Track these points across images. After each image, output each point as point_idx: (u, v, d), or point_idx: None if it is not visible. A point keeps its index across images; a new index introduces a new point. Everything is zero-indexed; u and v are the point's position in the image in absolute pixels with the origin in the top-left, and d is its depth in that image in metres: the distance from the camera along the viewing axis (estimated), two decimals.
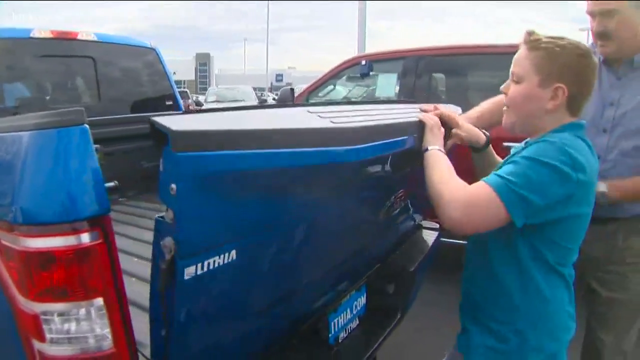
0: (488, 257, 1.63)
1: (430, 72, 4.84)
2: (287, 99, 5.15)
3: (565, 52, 1.53)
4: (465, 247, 1.80)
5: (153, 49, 4.37)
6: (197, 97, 27.55)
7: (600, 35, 2.14)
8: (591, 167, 1.50)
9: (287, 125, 1.28)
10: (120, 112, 3.96)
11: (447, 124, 1.89)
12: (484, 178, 1.49)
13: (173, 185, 1.03)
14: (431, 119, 1.81)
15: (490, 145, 1.99)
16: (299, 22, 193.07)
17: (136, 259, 2.37)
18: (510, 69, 1.63)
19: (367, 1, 13.95)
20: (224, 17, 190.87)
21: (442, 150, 1.73)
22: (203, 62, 73.37)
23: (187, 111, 4.91)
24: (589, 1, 2.14)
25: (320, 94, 5.48)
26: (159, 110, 4.24)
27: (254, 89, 29.70)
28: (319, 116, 1.44)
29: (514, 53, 4.61)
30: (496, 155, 1.99)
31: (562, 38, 1.57)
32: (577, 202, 1.48)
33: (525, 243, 1.54)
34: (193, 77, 69.04)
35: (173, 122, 1.00)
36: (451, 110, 2.08)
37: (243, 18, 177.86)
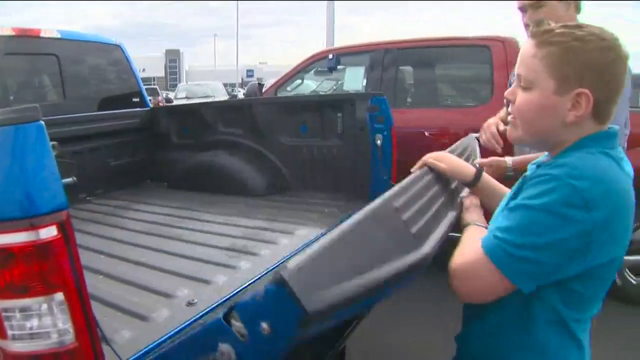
0: (487, 310, 1.34)
1: (397, 65, 4.87)
2: (255, 94, 5.15)
3: (586, 46, 1.19)
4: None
5: (118, 46, 4.33)
6: (167, 93, 27.34)
7: (529, 27, 2.25)
8: (618, 195, 1.17)
9: None
10: (87, 110, 3.93)
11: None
12: (482, 237, 1.26)
13: (265, 325, 0.94)
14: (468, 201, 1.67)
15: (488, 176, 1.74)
16: (270, 17, 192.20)
17: (103, 257, 2.37)
18: (515, 70, 1.31)
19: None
20: (193, 14, 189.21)
21: (479, 224, 1.50)
22: (173, 59, 72.65)
23: (156, 107, 4.90)
24: None
25: (288, 88, 5.49)
26: (125, 108, 4.22)
27: (225, 84, 29.55)
28: None
29: (483, 45, 4.62)
30: (497, 185, 1.72)
31: (579, 26, 1.22)
32: (601, 247, 1.16)
33: (540, 298, 1.25)
34: (163, 74, 68.44)
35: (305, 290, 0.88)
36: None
37: (213, 14, 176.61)
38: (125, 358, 1.45)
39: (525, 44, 1.29)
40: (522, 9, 2.35)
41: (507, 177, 2.16)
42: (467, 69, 5.27)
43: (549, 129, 1.26)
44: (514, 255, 1.16)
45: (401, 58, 4.91)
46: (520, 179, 1.37)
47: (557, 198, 1.13)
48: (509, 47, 4.37)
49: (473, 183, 1.68)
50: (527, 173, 1.36)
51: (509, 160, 2.21)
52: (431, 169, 1.71)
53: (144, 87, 4.59)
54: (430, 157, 1.73)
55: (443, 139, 4.45)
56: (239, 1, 51.47)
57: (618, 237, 1.19)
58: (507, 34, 4.54)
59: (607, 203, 1.14)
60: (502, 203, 1.41)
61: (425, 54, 5.03)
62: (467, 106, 4.89)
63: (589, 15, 2.42)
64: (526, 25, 2.33)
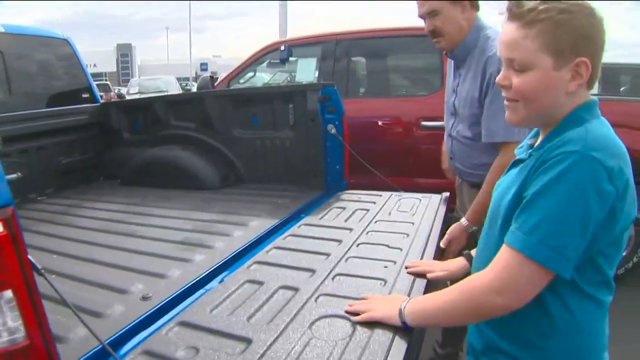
0: None
1: (349, 55, 4.90)
2: (207, 88, 5.11)
3: (574, 16, 1.20)
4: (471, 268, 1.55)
5: (65, 40, 4.24)
6: (119, 89, 26.87)
7: (432, 34, 2.42)
8: (627, 160, 1.21)
9: None
10: (34, 107, 3.84)
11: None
12: (506, 238, 1.23)
13: None
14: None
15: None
16: (223, 9, 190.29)
17: (56, 256, 2.34)
18: (504, 55, 1.30)
19: None
20: (144, 6, 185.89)
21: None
22: (125, 53, 71.49)
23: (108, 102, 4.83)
24: (418, 7, 2.41)
25: (241, 81, 5.47)
26: (75, 104, 4.15)
27: (179, 79, 29.21)
28: None
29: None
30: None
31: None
32: (626, 212, 1.21)
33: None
34: (115, 69, 67.22)
35: None
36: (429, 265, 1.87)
37: (164, 6, 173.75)
38: (79, 355, 1.45)
39: (508, 27, 1.28)
40: (422, 17, 2.43)
41: (473, 234, 2.27)
42: (417, 58, 5.33)
43: (553, 103, 1.26)
44: (556, 248, 1.15)
45: (353, 49, 4.94)
46: (517, 166, 1.37)
47: (582, 174, 1.13)
48: None
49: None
50: (522, 157, 1.38)
51: (463, 221, 2.33)
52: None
53: (93, 83, 4.51)
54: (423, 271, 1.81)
55: (396, 128, 4.52)
56: None
57: (633, 198, 1.22)
58: None
59: (623, 170, 1.18)
60: (499, 196, 1.37)
61: (376, 44, 5.07)
62: (419, 95, 4.96)
63: None
64: (429, 32, 2.42)
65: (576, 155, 1.14)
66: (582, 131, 1.20)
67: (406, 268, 1.86)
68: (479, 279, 1.27)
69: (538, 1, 1.24)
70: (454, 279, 1.72)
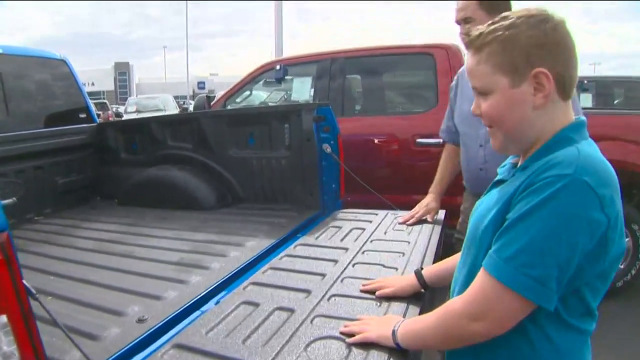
0: None
1: (344, 74, 4.94)
2: (203, 107, 5.14)
3: (518, 29, 1.19)
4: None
5: (63, 60, 4.27)
6: (117, 107, 26.94)
7: (465, 38, 2.45)
8: (617, 187, 1.16)
9: None
10: (32, 127, 3.86)
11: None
12: (484, 262, 1.18)
13: None
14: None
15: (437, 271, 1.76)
16: (220, 27, 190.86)
17: (53, 277, 2.34)
18: (471, 85, 1.30)
19: (283, 1, 13.92)
20: (141, 25, 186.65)
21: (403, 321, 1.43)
22: (122, 72, 71.46)
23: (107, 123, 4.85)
24: (455, 13, 2.54)
25: (237, 100, 5.50)
26: (72, 124, 4.17)
27: (176, 97, 29.29)
28: None
29: (427, 53, 4.71)
30: (442, 268, 1.75)
31: (504, 17, 1.24)
32: (616, 242, 1.15)
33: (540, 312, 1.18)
34: (112, 87, 67.29)
35: None
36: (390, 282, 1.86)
37: (161, 25, 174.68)
38: None
39: (467, 58, 1.29)
40: (458, 23, 2.55)
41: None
42: (412, 75, 5.38)
43: (523, 121, 1.22)
44: (538, 277, 1.09)
45: (348, 67, 4.98)
46: (498, 186, 1.34)
47: (572, 200, 1.08)
48: (451, 54, 4.49)
49: (425, 287, 1.76)
50: (504, 177, 1.35)
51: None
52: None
53: (90, 102, 4.54)
54: (375, 288, 1.82)
55: (392, 145, 4.54)
56: (187, 11, 50.95)
57: (623, 229, 1.17)
58: (450, 42, 4.67)
59: (614, 198, 1.12)
60: (478, 216, 1.33)
61: (371, 62, 5.11)
62: (414, 112, 4.99)
63: None
64: (463, 36, 2.50)
65: (567, 179, 1.09)
66: (574, 153, 1.14)
67: (362, 286, 1.88)
68: (456, 303, 1.23)
69: (487, 25, 1.25)
70: (402, 295, 1.75)
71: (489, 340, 1.19)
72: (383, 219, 2.94)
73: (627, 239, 3.99)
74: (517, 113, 1.22)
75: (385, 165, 4.54)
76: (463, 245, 1.42)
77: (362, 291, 1.85)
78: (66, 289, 2.15)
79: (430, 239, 2.54)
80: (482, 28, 1.25)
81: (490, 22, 1.26)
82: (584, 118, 1.27)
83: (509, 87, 1.21)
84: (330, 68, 4.88)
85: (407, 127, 4.54)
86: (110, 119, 19.25)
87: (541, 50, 1.18)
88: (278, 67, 5.11)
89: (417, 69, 5.09)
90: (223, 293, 2.03)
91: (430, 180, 4.38)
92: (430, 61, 4.57)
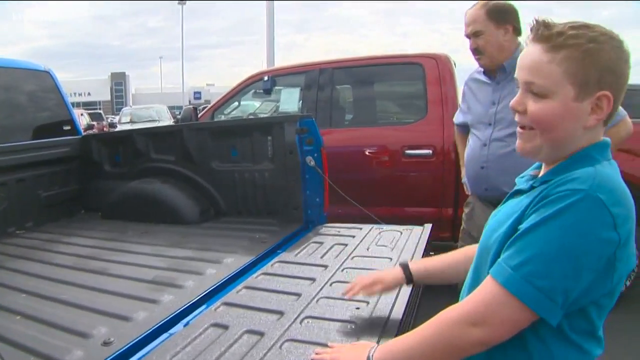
0: None
1: (333, 84, 4.89)
2: (190, 119, 5.08)
3: (602, 47, 1.14)
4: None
5: (47, 72, 4.22)
6: (112, 118, 26.92)
7: (475, 51, 2.73)
8: (632, 208, 1.14)
9: None
10: (14, 139, 3.80)
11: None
12: (491, 269, 1.17)
13: None
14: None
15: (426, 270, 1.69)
16: (217, 38, 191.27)
17: (24, 295, 2.27)
18: (522, 78, 1.22)
19: (274, 12, 13.91)
20: (138, 35, 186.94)
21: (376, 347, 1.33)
22: (119, 82, 71.63)
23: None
24: (465, 26, 2.73)
25: (226, 112, 5.45)
26: (56, 136, 4.11)
27: (172, 107, 29.27)
28: None
29: (416, 63, 4.71)
30: (431, 263, 1.70)
31: (587, 26, 1.17)
32: (625, 261, 1.13)
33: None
34: (109, 98, 67.39)
35: None
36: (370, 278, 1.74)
37: (157, 35, 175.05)
38: None
39: (532, 48, 1.20)
40: (468, 36, 2.73)
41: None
42: (401, 86, 5.34)
43: (569, 135, 1.19)
44: (543, 288, 1.08)
45: (336, 77, 4.93)
46: (517, 197, 1.32)
47: (585, 215, 1.07)
48: (441, 64, 4.45)
49: (410, 281, 1.67)
50: (522, 187, 1.32)
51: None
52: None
53: (75, 114, 4.48)
54: (361, 288, 1.71)
55: (383, 156, 4.49)
56: (182, 20, 50.97)
57: (634, 249, 1.16)
58: (439, 51, 4.65)
59: (628, 218, 1.11)
60: (493, 226, 1.31)
61: (360, 72, 5.08)
62: (404, 123, 4.94)
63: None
64: (473, 50, 2.73)
65: (581, 194, 1.08)
66: (591, 171, 1.13)
67: (344, 294, 1.77)
68: (455, 309, 1.20)
69: (566, 25, 1.18)
70: (387, 290, 1.70)
71: (485, 352, 1.17)
72: (367, 234, 2.88)
73: None
74: (568, 126, 1.18)
75: (374, 177, 4.48)
76: (475, 255, 1.39)
77: (343, 294, 1.76)
78: (35, 308, 2.09)
79: (413, 255, 2.48)
80: (562, 27, 1.18)
81: (569, 24, 1.18)
82: (608, 139, 1.24)
83: (572, 99, 1.16)
84: (318, 79, 4.83)
85: (398, 138, 4.49)
86: (105, 129, 19.26)
87: (613, 75, 1.16)
88: (266, 78, 5.06)
89: (406, 79, 5.04)
90: (194, 314, 1.96)
91: (419, 191, 4.37)
92: (419, 71, 4.53)
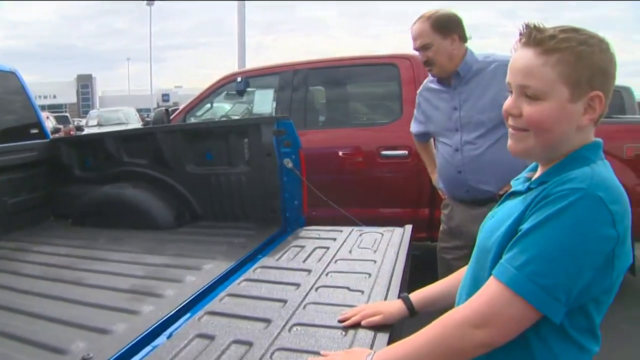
0: None
1: (307, 85, 4.85)
2: (162, 121, 4.97)
3: (594, 50, 1.18)
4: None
5: (13, 73, 4.06)
6: (79, 121, 26.47)
7: (426, 63, 2.81)
8: (627, 206, 1.17)
9: None
10: None
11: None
12: (494, 270, 1.18)
13: None
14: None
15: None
16: (183, 39, 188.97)
17: None
18: (516, 81, 1.24)
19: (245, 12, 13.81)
20: (105, 36, 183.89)
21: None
22: (85, 84, 70.47)
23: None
24: (412, 40, 2.80)
25: (198, 113, 5.36)
26: (22, 140, 3.97)
27: (140, 109, 28.92)
28: None
29: (391, 63, 4.74)
30: (432, 291, 1.65)
31: (575, 29, 1.21)
32: (622, 259, 1.16)
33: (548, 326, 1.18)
34: (75, 100, 66.29)
35: None
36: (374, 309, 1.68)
37: (124, 36, 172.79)
38: None
39: (524, 53, 1.22)
40: (417, 50, 2.81)
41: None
42: (376, 87, 5.33)
43: (564, 136, 1.22)
44: (546, 287, 1.10)
45: (311, 78, 4.90)
46: (513, 199, 1.33)
47: (586, 213, 1.10)
48: (415, 64, 4.43)
49: (413, 313, 1.63)
50: (518, 189, 1.33)
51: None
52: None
53: (43, 117, 4.34)
54: (362, 318, 1.64)
55: (357, 158, 4.45)
56: (151, 21, 50.47)
57: (629, 246, 1.19)
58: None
59: (625, 215, 1.14)
60: (490, 228, 1.32)
61: (334, 73, 5.05)
62: (379, 124, 4.93)
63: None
64: (423, 62, 2.83)
65: (581, 192, 1.11)
66: (589, 171, 1.17)
67: (339, 322, 1.69)
68: (458, 312, 1.22)
69: (556, 28, 1.21)
70: (390, 322, 1.62)
71: (489, 353, 1.18)
72: (348, 237, 2.83)
73: None
74: (563, 127, 1.21)
75: (350, 179, 4.44)
76: (471, 259, 1.40)
77: (340, 321, 1.69)
78: (6, 323, 1.97)
79: (397, 257, 2.44)
80: (553, 30, 1.21)
81: (559, 28, 1.21)
82: (600, 140, 1.27)
83: (567, 100, 1.19)
84: (292, 80, 4.78)
85: (373, 139, 4.47)
86: (72, 133, 18.89)
87: (604, 76, 1.20)
88: (239, 79, 4.99)
89: (381, 80, 5.05)
90: (176, 325, 1.88)
91: (395, 192, 4.35)
92: (394, 72, 4.53)
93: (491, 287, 1.17)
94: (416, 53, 4.50)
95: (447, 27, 2.72)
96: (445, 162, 2.87)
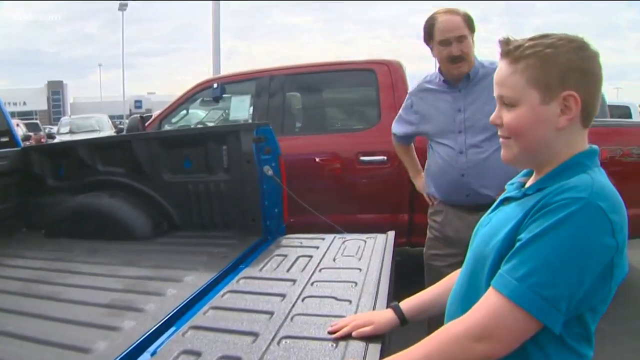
0: None
1: (284, 91, 4.80)
2: (137, 129, 4.87)
3: (559, 50, 1.21)
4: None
5: None
6: (50, 128, 26.03)
7: (456, 59, 2.69)
8: (625, 215, 1.17)
9: None
10: None
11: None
12: (493, 281, 1.17)
13: None
14: None
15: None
16: (154, 45, 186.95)
17: None
18: (495, 92, 1.30)
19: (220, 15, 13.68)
20: (76, 42, 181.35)
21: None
22: (56, 91, 69.42)
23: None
24: (443, 32, 2.69)
25: (173, 120, 5.27)
26: None
27: (112, 117, 28.55)
28: None
29: (369, 69, 4.74)
30: (422, 299, 1.63)
31: (546, 35, 1.25)
32: (620, 268, 1.16)
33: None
34: (46, 107, 65.28)
35: None
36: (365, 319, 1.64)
37: (96, 42, 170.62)
38: None
39: (499, 65, 1.29)
40: (447, 42, 2.68)
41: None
42: (354, 92, 5.32)
43: (543, 139, 1.24)
44: (549, 298, 1.10)
45: (288, 84, 4.85)
46: (507, 204, 1.34)
47: (587, 223, 1.10)
48: (393, 70, 4.45)
49: (404, 321, 1.59)
50: (513, 195, 1.34)
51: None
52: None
53: (13, 125, 4.22)
54: (352, 329, 1.60)
55: (334, 164, 4.42)
56: (123, 26, 49.87)
57: (626, 254, 1.19)
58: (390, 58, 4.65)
59: (624, 225, 1.15)
60: (485, 234, 1.32)
61: (311, 79, 5.01)
62: (356, 129, 4.92)
63: None
64: (455, 57, 2.69)
65: (583, 202, 1.11)
66: (588, 179, 1.17)
67: (329, 333, 1.64)
68: (458, 325, 1.20)
69: (524, 39, 1.26)
70: (382, 332, 1.59)
71: None
72: (330, 244, 2.78)
73: None
74: (540, 130, 1.23)
75: (329, 185, 4.41)
76: (464, 266, 1.40)
77: (330, 332, 1.63)
78: None
79: (382, 264, 2.40)
80: (520, 40, 1.26)
81: (529, 37, 1.27)
82: (596, 147, 1.29)
83: (538, 103, 1.22)
84: (269, 86, 4.73)
85: (351, 145, 4.44)
86: (43, 140, 18.54)
87: (576, 74, 1.21)
88: (215, 85, 4.92)
89: (359, 86, 5.06)
90: (160, 341, 1.81)
91: (374, 198, 4.32)
92: (372, 77, 4.52)
93: (491, 299, 1.16)
94: (394, 59, 4.59)
95: (472, 24, 2.73)
96: (445, 164, 2.81)
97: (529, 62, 1.22)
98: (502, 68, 1.28)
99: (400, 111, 3.15)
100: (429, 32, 2.76)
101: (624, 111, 11.33)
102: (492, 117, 1.32)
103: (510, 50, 1.26)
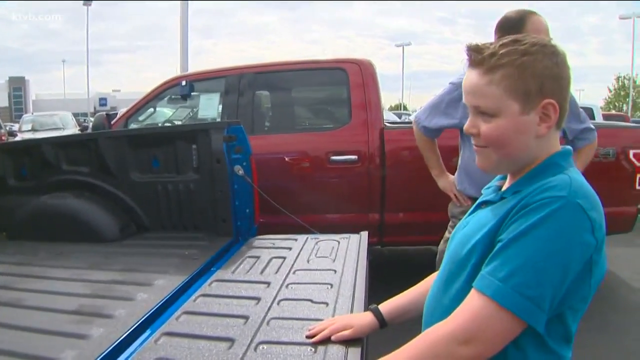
0: None
1: (254, 90, 4.73)
2: (102, 127, 4.75)
3: (536, 57, 1.18)
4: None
5: None
6: (11, 126, 25.47)
7: None
8: (599, 204, 1.17)
9: None
10: None
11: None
12: (475, 283, 1.15)
13: None
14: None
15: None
16: (119, 42, 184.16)
17: None
18: (469, 102, 1.26)
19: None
20: (38, 37, 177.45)
21: None
22: (18, 87, 68.03)
23: None
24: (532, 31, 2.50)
25: (140, 118, 5.16)
26: None
27: (76, 114, 28.06)
28: None
29: (339, 68, 4.70)
30: (402, 302, 1.59)
31: (516, 40, 1.21)
32: (600, 265, 1.16)
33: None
34: (7, 104, 63.95)
35: None
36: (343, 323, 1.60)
37: (59, 38, 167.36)
38: None
39: (470, 73, 1.24)
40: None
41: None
42: (324, 91, 5.30)
43: (523, 148, 1.22)
44: (533, 298, 1.08)
45: (257, 83, 4.78)
46: (484, 208, 1.33)
47: (567, 221, 1.10)
48: (364, 69, 4.43)
49: (384, 324, 1.55)
50: (490, 198, 1.33)
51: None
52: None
53: None
54: (330, 333, 1.56)
55: (304, 163, 4.38)
56: (88, 22, 49.04)
57: (605, 252, 1.18)
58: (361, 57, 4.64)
59: (602, 223, 1.15)
60: (462, 239, 1.30)
61: (282, 77, 4.95)
62: (327, 129, 4.89)
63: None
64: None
65: (562, 200, 1.11)
66: (567, 178, 1.17)
67: (307, 338, 1.60)
68: (441, 329, 1.17)
69: (495, 45, 1.21)
70: (361, 336, 1.55)
71: None
72: (303, 245, 2.75)
73: None
74: (521, 140, 1.21)
75: (299, 185, 4.36)
76: (440, 268, 1.38)
77: (308, 337, 1.59)
78: None
79: (357, 265, 2.37)
80: (492, 47, 1.21)
81: (499, 43, 1.22)
82: (570, 147, 1.30)
83: (518, 113, 1.20)
84: (239, 84, 4.65)
85: (321, 144, 4.41)
86: (4, 139, 18.10)
87: (553, 81, 1.19)
88: (184, 82, 4.82)
89: (330, 85, 5.03)
90: (131, 349, 1.74)
91: (345, 198, 4.30)
92: (342, 76, 4.49)
93: (474, 301, 1.14)
94: (365, 58, 4.57)
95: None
96: None
97: (505, 71, 1.18)
98: (474, 78, 1.23)
99: (435, 103, 2.94)
100: (516, 26, 2.58)
101: (587, 113, 11.52)
102: (466, 126, 1.29)
103: (484, 58, 1.21)
